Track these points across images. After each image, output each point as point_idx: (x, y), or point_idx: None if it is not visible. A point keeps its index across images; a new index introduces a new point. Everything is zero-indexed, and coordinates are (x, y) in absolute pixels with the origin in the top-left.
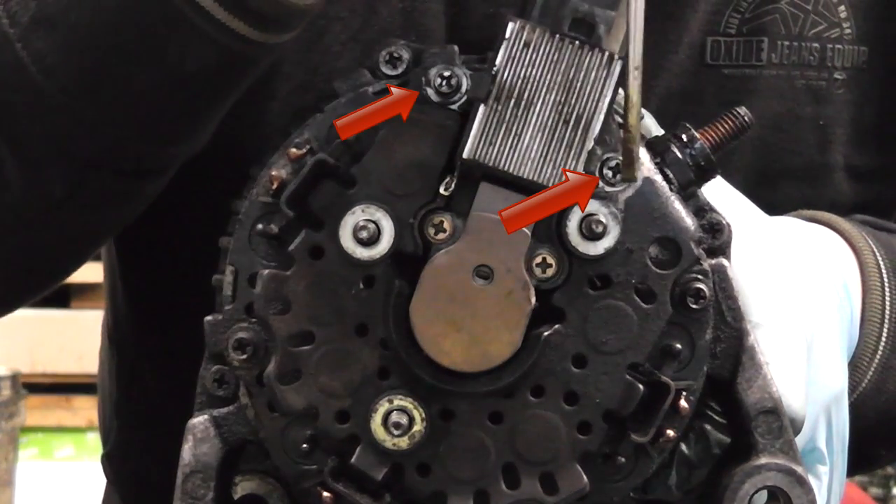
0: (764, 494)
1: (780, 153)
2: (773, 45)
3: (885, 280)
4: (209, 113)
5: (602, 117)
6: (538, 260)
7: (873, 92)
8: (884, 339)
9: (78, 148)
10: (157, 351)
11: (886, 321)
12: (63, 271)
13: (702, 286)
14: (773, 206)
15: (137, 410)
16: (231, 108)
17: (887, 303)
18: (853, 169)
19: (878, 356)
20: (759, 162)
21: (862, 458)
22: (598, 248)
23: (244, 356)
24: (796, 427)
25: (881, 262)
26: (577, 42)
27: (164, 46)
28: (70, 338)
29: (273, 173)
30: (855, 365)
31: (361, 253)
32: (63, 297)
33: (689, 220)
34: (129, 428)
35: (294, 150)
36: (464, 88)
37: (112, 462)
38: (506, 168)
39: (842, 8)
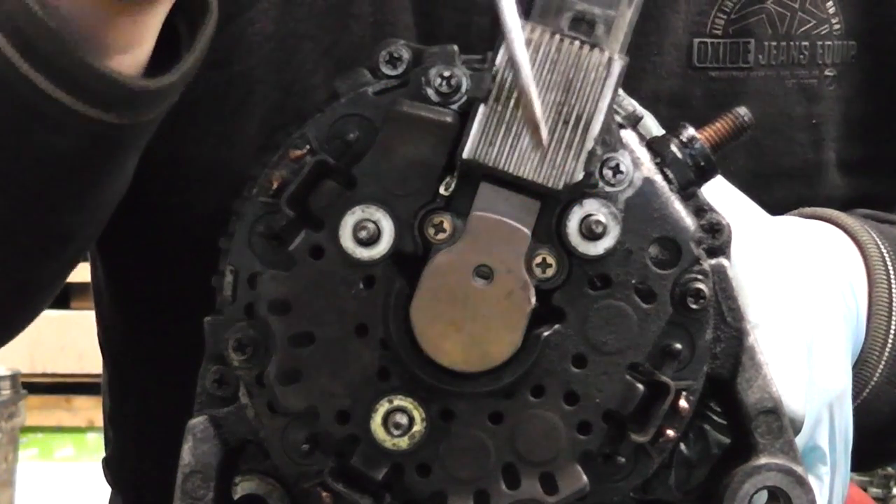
0: (764, 494)
1: (774, 154)
2: (760, 46)
3: (891, 273)
4: (100, 183)
5: (602, 117)
6: (538, 260)
7: (862, 85)
8: (892, 332)
9: None
10: (147, 357)
11: (894, 314)
12: (11, 326)
13: (702, 286)
14: (768, 206)
15: (132, 419)
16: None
17: (894, 296)
18: (845, 164)
19: (887, 350)
20: (753, 164)
21: (877, 454)
22: (598, 248)
23: (244, 356)
24: (796, 427)
25: (886, 255)
26: (576, 42)
27: (28, 135)
28: (70, 338)
29: (273, 173)
30: (864, 360)
31: (361, 253)
32: (63, 297)
33: (689, 220)
34: (125, 436)
35: (294, 150)
36: (464, 88)
37: (111, 467)
38: (506, 168)
39: (829, 3)
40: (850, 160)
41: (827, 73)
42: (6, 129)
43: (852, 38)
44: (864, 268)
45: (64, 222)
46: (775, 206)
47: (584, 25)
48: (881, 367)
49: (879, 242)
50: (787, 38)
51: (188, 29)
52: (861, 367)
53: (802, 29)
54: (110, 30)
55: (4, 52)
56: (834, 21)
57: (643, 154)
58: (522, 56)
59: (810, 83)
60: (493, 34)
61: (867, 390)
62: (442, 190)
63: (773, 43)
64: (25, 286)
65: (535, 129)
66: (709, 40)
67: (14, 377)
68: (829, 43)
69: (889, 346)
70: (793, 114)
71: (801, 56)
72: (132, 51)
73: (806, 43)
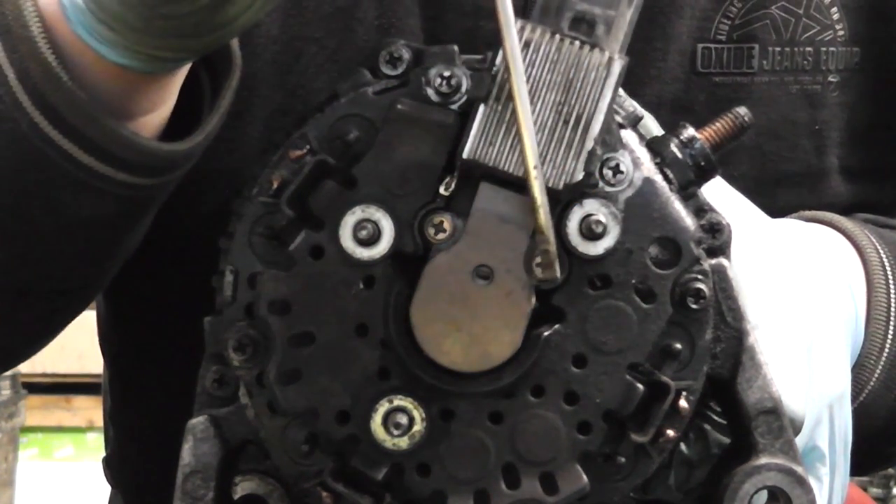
0: (764, 494)
1: (777, 160)
2: (764, 51)
3: (890, 277)
4: (121, 241)
5: (602, 117)
6: (538, 260)
7: (866, 92)
8: (890, 336)
9: (1, 282)
10: (147, 357)
11: (892, 318)
12: (19, 358)
13: (702, 286)
14: (771, 211)
15: (132, 418)
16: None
17: (892, 300)
18: (848, 170)
19: (885, 354)
20: (756, 170)
21: (875, 458)
22: (598, 248)
23: (244, 356)
24: (796, 427)
25: (885, 260)
26: (577, 42)
27: (56, 200)
28: (70, 338)
29: (273, 173)
30: (862, 364)
31: (361, 253)
32: None
33: (689, 220)
34: (126, 436)
35: (294, 150)
36: (464, 88)
37: (111, 466)
38: (506, 168)
39: (834, 10)
40: (853, 166)
41: (830, 79)
42: (34, 192)
43: (856, 45)
44: (864, 272)
45: (82, 277)
46: (778, 212)
47: (584, 25)
48: (878, 371)
49: (879, 247)
50: (791, 44)
51: (210, 77)
52: (858, 370)
53: (806, 35)
54: (136, 95)
55: (34, 119)
56: (838, 27)
57: (643, 154)
58: (538, 190)
59: (814, 89)
60: (500, 39)
61: (864, 394)
62: (442, 190)
63: (777, 49)
64: (35, 331)
65: (550, 264)
66: (713, 46)
67: (14, 377)
68: (833, 49)
69: (886, 350)
70: (796, 119)
71: (805, 62)
72: (157, 111)
73: (810, 49)
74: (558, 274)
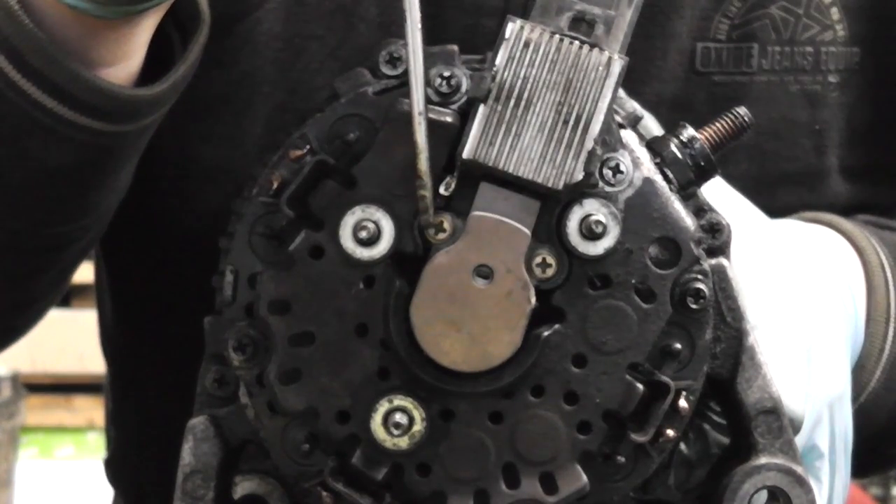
0: (764, 494)
1: (777, 160)
2: (764, 51)
3: (890, 279)
4: (93, 194)
5: (602, 117)
6: (538, 260)
7: (866, 92)
8: (890, 337)
9: None
10: (147, 357)
11: (892, 320)
12: (12, 333)
13: (701, 286)
14: (771, 212)
15: (132, 419)
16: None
17: (892, 301)
18: (847, 170)
19: (885, 355)
20: (756, 169)
21: (876, 460)
22: (597, 248)
23: (244, 356)
24: (796, 427)
25: (885, 262)
26: (576, 42)
27: (24, 148)
28: (70, 338)
29: (273, 173)
30: (862, 365)
31: (361, 253)
32: (64, 297)
33: (688, 220)
34: (126, 436)
35: (294, 150)
36: (464, 88)
37: (112, 467)
38: (506, 168)
39: (834, 10)
40: (853, 166)
41: (830, 79)
42: (1, 140)
43: (856, 45)
44: (863, 273)
45: (59, 232)
46: (778, 211)
47: (584, 25)
48: (878, 372)
49: (879, 249)
50: (791, 43)
51: (181, 38)
52: (858, 372)
53: (806, 35)
54: (96, 44)
55: None
56: (838, 28)
57: (643, 154)
58: (421, 135)
59: (814, 89)
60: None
61: (864, 395)
62: (442, 190)
63: (777, 48)
64: (24, 294)
65: (424, 210)
66: (712, 45)
67: (14, 377)
68: (833, 49)
69: (886, 351)
70: (796, 119)
71: (805, 62)
72: (121, 63)
73: (810, 49)
74: (432, 218)
